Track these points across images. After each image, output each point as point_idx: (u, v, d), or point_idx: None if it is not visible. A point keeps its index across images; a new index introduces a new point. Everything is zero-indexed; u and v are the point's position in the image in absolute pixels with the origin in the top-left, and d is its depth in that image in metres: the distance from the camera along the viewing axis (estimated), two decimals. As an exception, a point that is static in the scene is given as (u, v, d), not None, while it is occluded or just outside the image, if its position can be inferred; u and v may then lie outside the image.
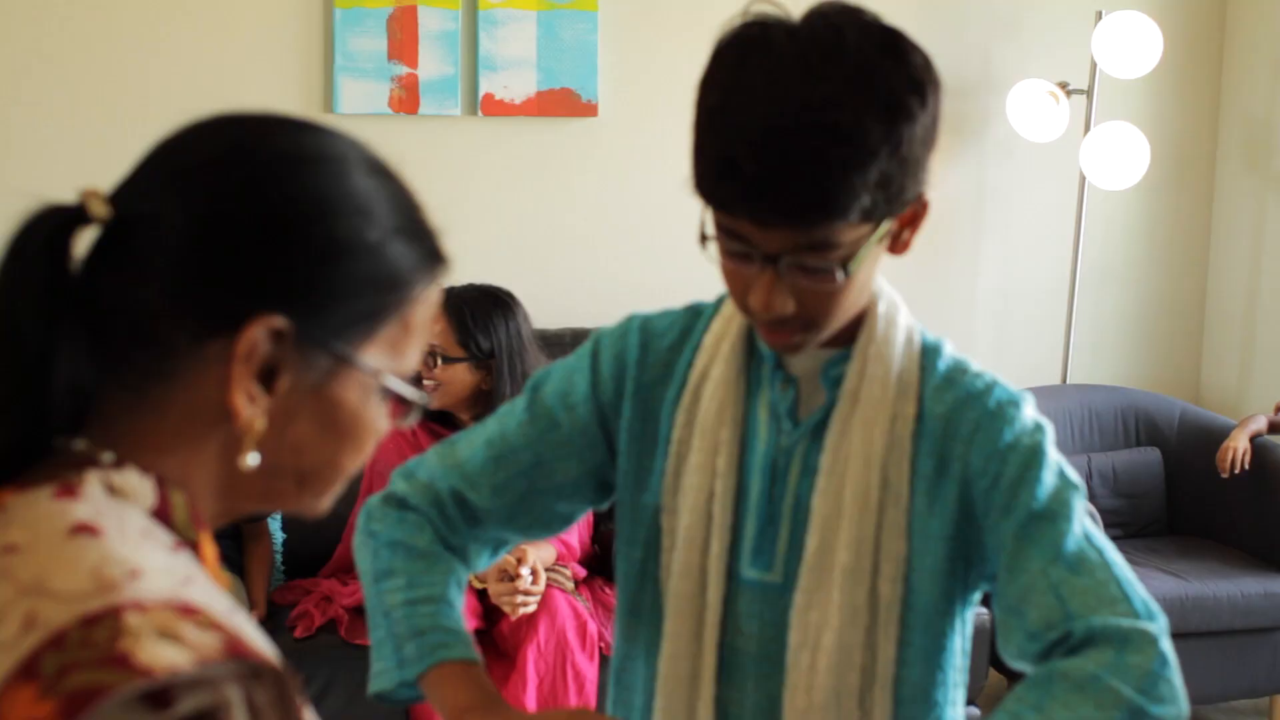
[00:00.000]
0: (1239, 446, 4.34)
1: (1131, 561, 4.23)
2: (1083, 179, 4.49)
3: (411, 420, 1.03)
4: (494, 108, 4.16)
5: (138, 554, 0.83)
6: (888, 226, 1.33)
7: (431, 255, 1.00)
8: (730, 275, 1.36)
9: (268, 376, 0.92)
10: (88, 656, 0.74)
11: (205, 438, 0.93)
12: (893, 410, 1.42)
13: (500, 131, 4.23)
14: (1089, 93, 4.50)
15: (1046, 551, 1.36)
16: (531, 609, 3.27)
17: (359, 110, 4.05)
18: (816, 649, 1.41)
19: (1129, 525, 4.45)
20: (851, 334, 1.43)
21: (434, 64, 4.10)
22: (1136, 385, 4.88)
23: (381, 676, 1.49)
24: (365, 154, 1.00)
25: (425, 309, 1.00)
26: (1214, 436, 4.55)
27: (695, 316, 1.54)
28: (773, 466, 1.45)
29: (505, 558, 3.33)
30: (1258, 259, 4.77)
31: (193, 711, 0.76)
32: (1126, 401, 4.67)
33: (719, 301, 1.53)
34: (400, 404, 1.01)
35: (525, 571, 3.26)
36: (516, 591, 3.24)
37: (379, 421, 0.98)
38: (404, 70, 4.08)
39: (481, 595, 3.41)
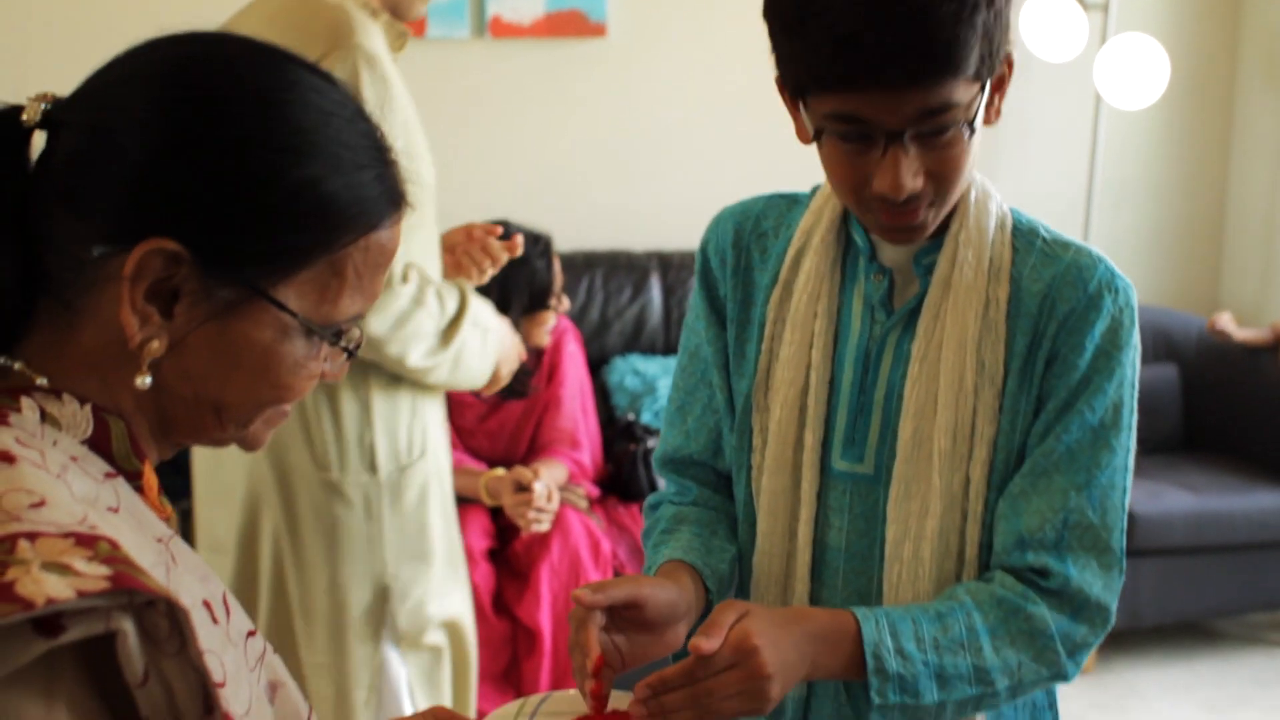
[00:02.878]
0: (1237, 333, 4.42)
1: (1148, 478, 4.22)
2: (1098, 96, 4.44)
3: (335, 369, 0.99)
4: (502, 29, 4.14)
5: (52, 484, 0.83)
6: (988, 83, 1.32)
7: (375, 202, 0.95)
8: (846, 167, 1.33)
9: (169, 300, 0.90)
10: None
11: (119, 361, 0.91)
12: (985, 295, 1.40)
13: (508, 54, 4.20)
14: (1105, 7, 4.44)
15: (1079, 474, 1.35)
16: (545, 527, 3.30)
17: (366, 34, 4.00)
18: (920, 538, 1.40)
19: (1146, 441, 4.40)
20: (945, 223, 1.42)
21: (441, -15, 4.06)
22: (1154, 302, 4.85)
23: None
24: (325, 86, 0.95)
25: (364, 256, 0.95)
26: (1232, 352, 4.54)
27: (792, 203, 1.53)
28: (865, 356, 1.44)
29: (520, 470, 3.36)
30: (1278, 174, 4.71)
31: (82, 638, 0.77)
32: (1144, 318, 4.62)
33: (812, 192, 1.52)
34: (333, 351, 0.98)
35: (539, 487, 3.29)
36: (530, 506, 3.27)
37: (301, 363, 0.95)
38: (411, -7, 4.04)
39: (495, 514, 3.44)
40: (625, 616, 1.33)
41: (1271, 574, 4.22)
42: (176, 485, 2.14)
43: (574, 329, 3.77)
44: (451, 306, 2.28)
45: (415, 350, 2.22)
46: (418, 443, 2.35)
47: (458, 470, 3.45)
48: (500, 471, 3.42)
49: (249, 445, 1.00)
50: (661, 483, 1.65)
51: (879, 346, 1.44)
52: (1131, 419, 1.39)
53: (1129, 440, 1.39)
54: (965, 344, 1.39)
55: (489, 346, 2.42)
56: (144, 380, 0.90)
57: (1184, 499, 4.11)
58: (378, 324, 2.14)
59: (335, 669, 2.34)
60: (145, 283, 0.89)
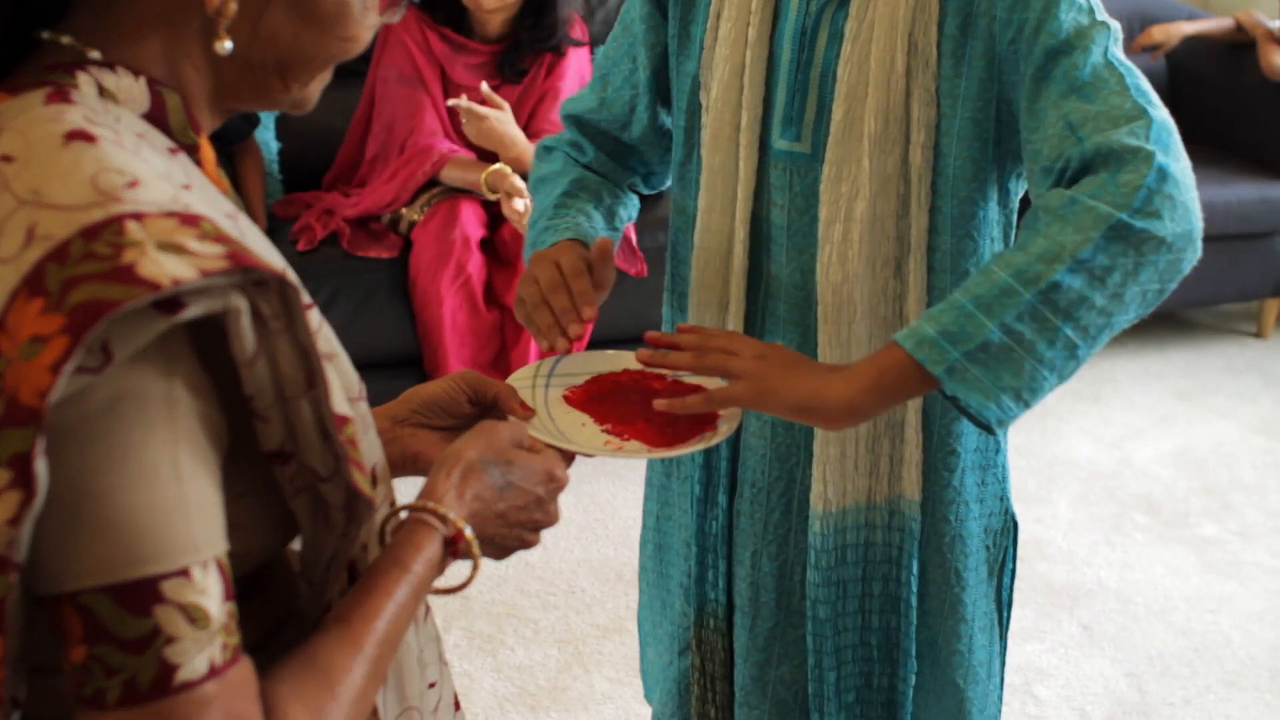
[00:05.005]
0: (1171, 35, 4.38)
1: (1130, 170, 4.24)
2: None
3: (398, 15, 1.01)
4: None
5: (135, 161, 0.80)
6: None
7: None
8: None
9: None
10: (92, 270, 0.72)
11: (184, 27, 0.89)
12: None
13: None
14: None
15: (1061, 84, 1.29)
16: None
17: None
18: (849, 220, 1.41)
19: (1129, 133, 4.44)
20: None
21: None
22: (1143, -9, 4.76)
23: None
24: None
25: None
26: (1220, 44, 4.49)
27: None
28: (802, 34, 1.43)
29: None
30: None
31: (200, 316, 0.76)
32: (1131, 7, 4.57)
33: None
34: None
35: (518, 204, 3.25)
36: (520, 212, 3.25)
37: (365, 13, 0.95)
38: None
39: (485, 203, 3.40)
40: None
41: (1246, 265, 4.27)
42: None
43: (579, 19, 3.61)
44: None
45: None
46: None
47: (455, 161, 3.38)
48: (501, 166, 3.33)
49: (303, 106, 1.00)
50: None
51: (814, 24, 1.43)
52: (1105, 27, 1.31)
53: (1105, 39, 1.31)
54: (897, 23, 1.38)
55: None
56: (224, 45, 0.89)
57: (1166, 191, 4.12)
58: None
59: None
60: None
